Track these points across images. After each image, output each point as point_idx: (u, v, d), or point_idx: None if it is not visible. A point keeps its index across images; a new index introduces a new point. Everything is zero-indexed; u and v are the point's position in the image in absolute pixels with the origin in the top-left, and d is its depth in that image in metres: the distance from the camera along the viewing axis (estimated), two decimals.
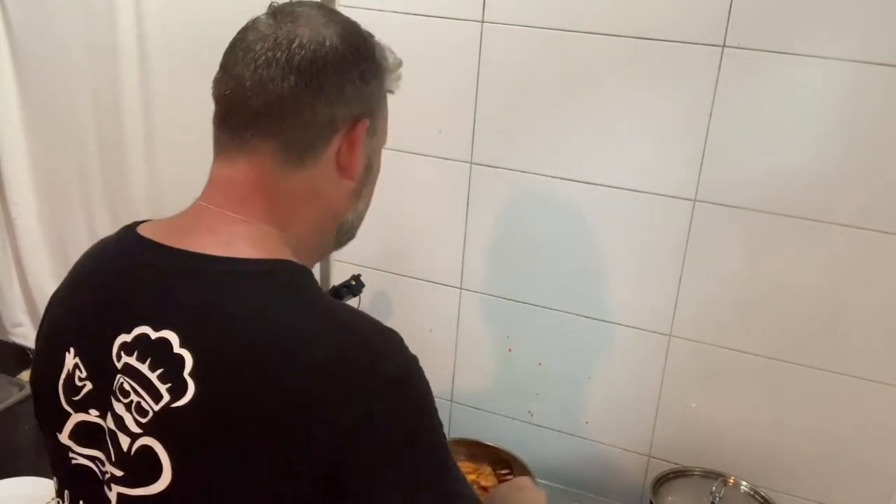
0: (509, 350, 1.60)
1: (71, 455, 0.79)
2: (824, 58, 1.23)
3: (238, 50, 0.78)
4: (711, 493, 1.36)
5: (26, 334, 2.05)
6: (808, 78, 1.25)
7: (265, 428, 0.68)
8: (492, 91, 1.46)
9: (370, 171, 0.87)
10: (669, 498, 1.39)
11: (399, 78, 0.88)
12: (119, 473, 0.74)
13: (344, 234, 0.90)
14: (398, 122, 1.55)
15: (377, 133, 0.86)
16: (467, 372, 1.65)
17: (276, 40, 0.77)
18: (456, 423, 1.68)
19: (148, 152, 1.76)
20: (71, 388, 0.78)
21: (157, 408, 0.71)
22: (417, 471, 0.72)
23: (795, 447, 1.42)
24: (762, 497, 1.39)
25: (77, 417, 0.78)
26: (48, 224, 1.95)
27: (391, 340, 0.76)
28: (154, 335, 0.72)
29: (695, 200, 1.37)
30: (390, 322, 1.70)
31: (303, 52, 0.76)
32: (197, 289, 0.73)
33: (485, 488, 1.47)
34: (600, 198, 1.42)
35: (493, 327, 1.59)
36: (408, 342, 0.76)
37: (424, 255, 1.62)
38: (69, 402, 0.78)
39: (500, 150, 1.49)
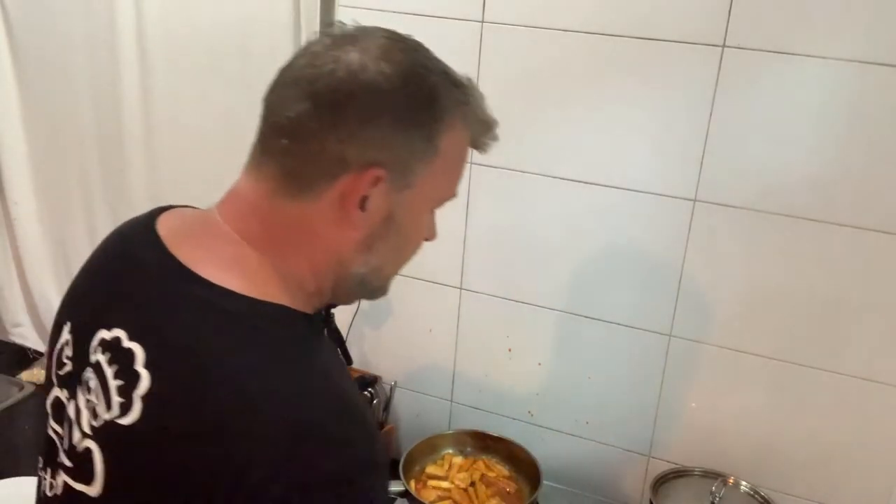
0: (509, 350, 1.60)
1: (49, 422, 0.80)
2: (824, 58, 1.23)
3: (284, 66, 0.75)
4: (711, 493, 1.36)
5: (26, 334, 2.04)
6: (807, 78, 1.25)
7: (193, 474, 0.65)
8: (492, 91, 1.45)
9: (391, 224, 0.77)
10: (669, 498, 1.39)
11: (495, 138, 0.82)
12: (68, 463, 0.74)
13: (355, 286, 0.80)
14: None
15: (412, 187, 0.75)
16: (467, 372, 1.64)
17: (314, 62, 0.71)
18: (456, 424, 1.68)
19: (148, 152, 1.76)
20: (59, 361, 0.78)
21: (107, 417, 0.70)
22: None
23: (796, 447, 1.42)
24: (762, 497, 1.39)
25: (55, 391, 0.78)
26: (48, 224, 1.95)
27: (361, 435, 0.70)
28: (126, 343, 0.70)
29: (695, 200, 1.37)
30: (390, 322, 1.72)
31: (330, 78, 0.70)
32: (175, 312, 0.71)
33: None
34: (600, 198, 1.42)
35: (493, 327, 1.59)
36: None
37: (424, 255, 1.61)
38: (55, 374, 0.79)
39: (499, 150, 1.48)
